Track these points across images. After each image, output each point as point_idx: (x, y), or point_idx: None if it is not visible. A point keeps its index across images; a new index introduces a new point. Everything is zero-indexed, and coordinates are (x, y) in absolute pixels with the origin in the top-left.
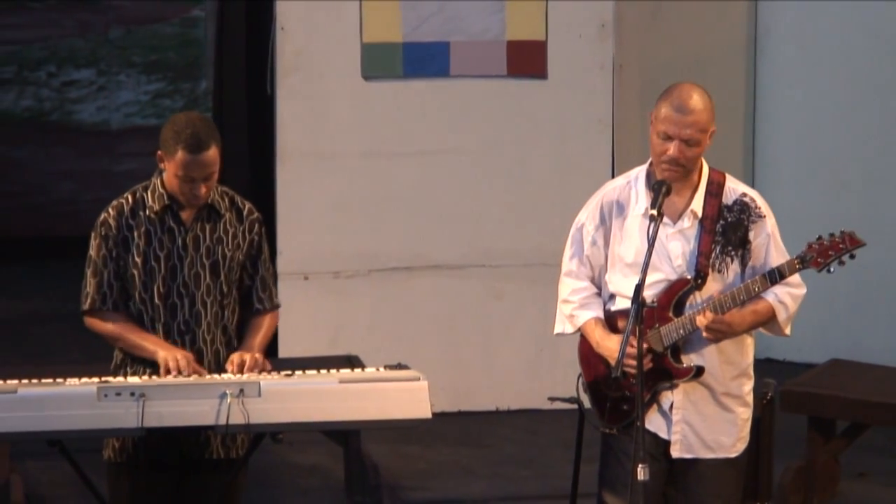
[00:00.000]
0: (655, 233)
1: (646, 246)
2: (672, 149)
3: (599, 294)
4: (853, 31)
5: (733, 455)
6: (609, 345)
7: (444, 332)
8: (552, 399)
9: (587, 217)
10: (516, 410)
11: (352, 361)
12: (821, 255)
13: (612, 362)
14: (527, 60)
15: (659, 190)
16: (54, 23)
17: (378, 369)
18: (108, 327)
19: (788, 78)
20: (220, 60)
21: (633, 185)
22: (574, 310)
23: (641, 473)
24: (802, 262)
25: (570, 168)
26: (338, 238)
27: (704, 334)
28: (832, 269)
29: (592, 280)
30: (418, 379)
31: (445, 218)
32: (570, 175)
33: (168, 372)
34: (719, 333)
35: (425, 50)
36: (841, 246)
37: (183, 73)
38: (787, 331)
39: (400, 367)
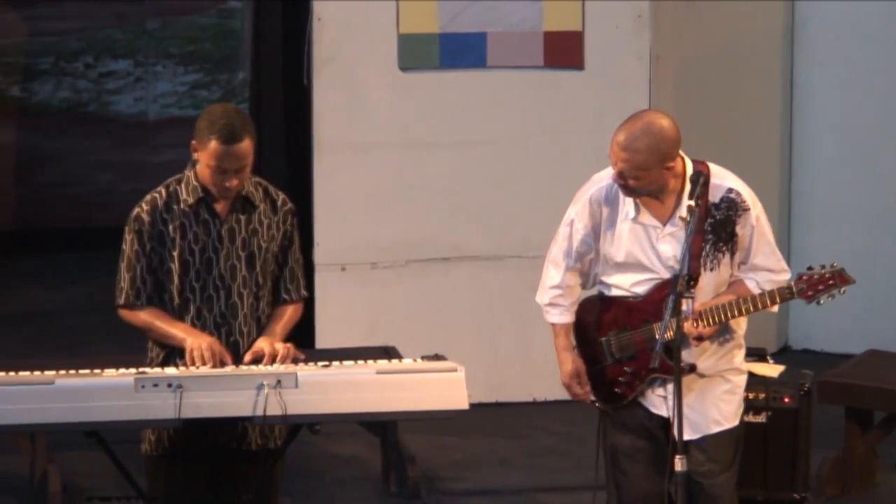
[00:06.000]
0: (697, 221)
1: (635, 249)
2: (613, 173)
3: (578, 288)
4: (890, 22)
5: (737, 423)
6: (564, 357)
7: (482, 323)
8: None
9: (576, 215)
10: (553, 401)
11: (389, 352)
12: (810, 287)
13: (561, 374)
14: (564, 51)
15: (696, 181)
16: (91, 14)
17: (415, 360)
18: (139, 318)
19: (825, 69)
20: (257, 51)
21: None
22: (546, 305)
23: (679, 465)
24: (792, 293)
25: (606, 159)
26: (375, 229)
27: (691, 342)
28: (822, 302)
29: (580, 271)
30: (455, 370)
31: (483, 209)
32: (607, 166)
33: (193, 362)
34: (704, 341)
35: (462, 41)
36: (831, 282)
37: (220, 64)
38: (774, 308)
39: (437, 357)
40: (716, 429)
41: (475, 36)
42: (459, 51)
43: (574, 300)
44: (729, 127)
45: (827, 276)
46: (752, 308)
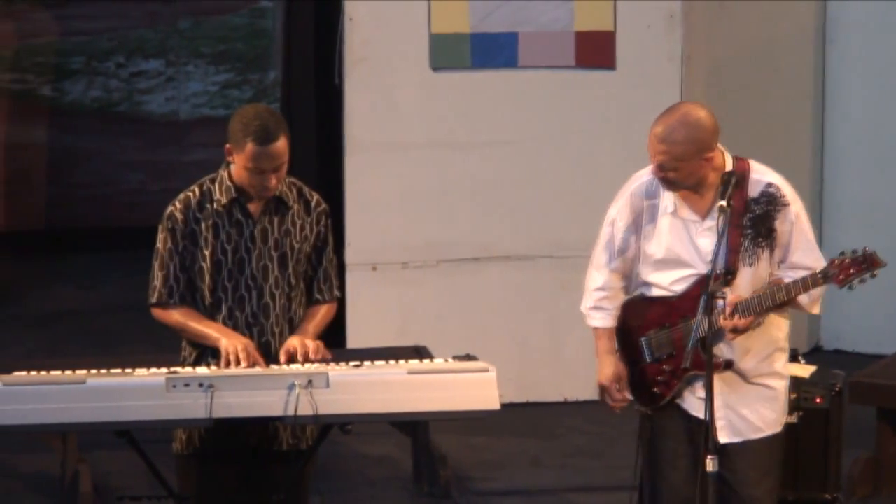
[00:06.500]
0: (726, 224)
1: (675, 244)
2: (653, 166)
3: (622, 291)
4: None
5: (780, 429)
6: (605, 360)
7: (513, 323)
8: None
9: (617, 213)
10: (585, 401)
11: (420, 352)
12: (842, 271)
13: (599, 376)
14: (595, 51)
15: (728, 181)
16: (123, 13)
17: (446, 360)
18: (172, 317)
19: (857, 69)
20: (289, 51)
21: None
22: (589, 309)
23: (710, 465)
24: (825, 278)
25: (637, 159)
26: (406, 229)
27: (728, 336)
28: (853, 286)
29: (623, 272)
30: (486, 370)
31: (514, 209)
32: (638, 166)
33: (228, 364)
34: (740, 334)
35: (493, 40)
36: (862, 265)
37: (251, 64)
38: (816, 310)
39: (468, 357)
40: (757, 435)
41: (507, 36)
42: (491, 51)
43: (618, 304)
44: (760, 127)
45: (858, 259)
46: (784, 296)
